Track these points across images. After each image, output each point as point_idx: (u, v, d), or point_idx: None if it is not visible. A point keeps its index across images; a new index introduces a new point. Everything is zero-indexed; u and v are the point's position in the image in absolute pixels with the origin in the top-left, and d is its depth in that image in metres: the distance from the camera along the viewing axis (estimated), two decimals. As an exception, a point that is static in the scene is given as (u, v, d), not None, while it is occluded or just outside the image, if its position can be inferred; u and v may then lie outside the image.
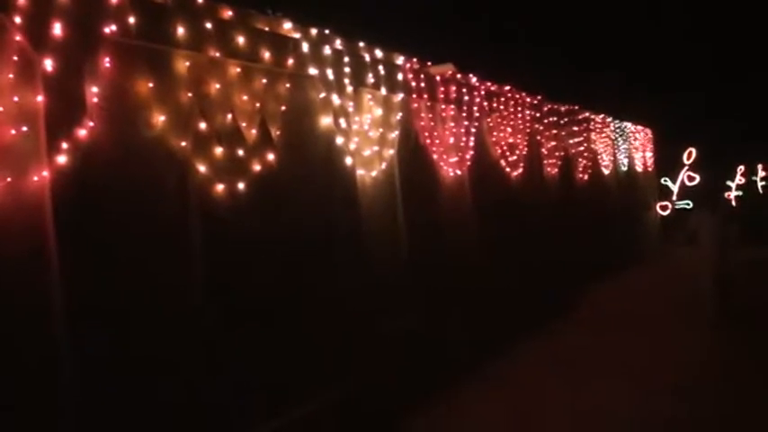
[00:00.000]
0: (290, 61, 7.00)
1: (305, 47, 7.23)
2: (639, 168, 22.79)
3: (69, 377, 4.71)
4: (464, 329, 9.56)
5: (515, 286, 11.38)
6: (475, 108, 11.04)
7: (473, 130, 10.86)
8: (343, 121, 7.68)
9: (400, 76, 8.95)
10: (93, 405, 4.80)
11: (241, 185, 6.22)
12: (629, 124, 21.36)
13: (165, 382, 5.34)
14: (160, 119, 5.56)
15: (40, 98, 4.72)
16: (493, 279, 10.73)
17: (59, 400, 4.66)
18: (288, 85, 6.93)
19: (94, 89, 5.03)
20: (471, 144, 10.78)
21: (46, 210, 4.71)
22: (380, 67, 8.49)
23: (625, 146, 20.90)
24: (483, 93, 11.39)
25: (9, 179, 4.52)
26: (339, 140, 7.67)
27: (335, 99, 7.59)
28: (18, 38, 4.63)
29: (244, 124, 6.31)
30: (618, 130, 20.15)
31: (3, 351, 4.40)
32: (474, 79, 11.23)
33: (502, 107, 12.19)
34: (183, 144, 5.72)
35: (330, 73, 7.54)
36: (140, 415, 5.09)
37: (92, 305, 4.91)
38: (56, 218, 4.73)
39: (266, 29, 6.87)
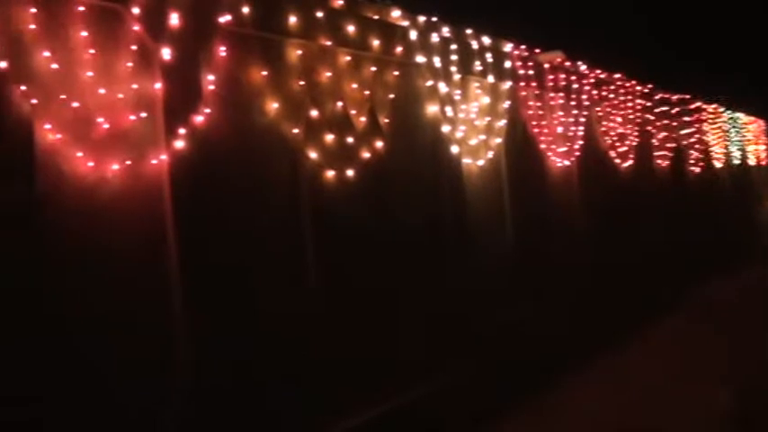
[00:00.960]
0: (399, 49, 6.96)
1: (413, 35, 7.16)
2: (752, 161, 21.76)
3: (183, 355, 4.84)
4: (570, 323, 9.33)
5: (624, 280, 11.01)
6: (584, 96, 10.71)
7: (582, 119, 10.54)
8: (449, 110, 7.56)
9: (508, 64, 8.74)
10: (206, 408, 4.93)
11: (350, 172, 6.21)
12: (741, 115, 20.40)
13: (272, 360, 5.42)
14: (273, 106, 5.61)
15: (158, 85, 4.82)
16: (600, 273, 10.41)
17: (174, 382, 4.82)
18: (396, 74, 6.89)
19: (210, 77, 5.10)
20: (580, 134, 10.48)
21: (164, 191, 4.81)
22: (488, 55, 8.32)
23: (737, 137, 19.99)
24: (592, 81, 11.05)
25: (129, 162, 4.64)
26: (445, 129, 7.54)
27: (442, 87, 7.48)
28: (136, 28, 4.73)
29: (353, 112, 6.30)
30: (730, 121, 19.28)
31: (124, 328, 4.52)
32: (583, 67, 10.89)
33: (611, 96, 11.82)
34: (295, 131, 5.75)
35: (437, 61, 7.44)
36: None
37: (205, 282, 4.99)
38: (173, 199, 4.83)
39: (375, 17, 6.86)
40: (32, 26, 4.28)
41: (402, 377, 6.51)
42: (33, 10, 4.28)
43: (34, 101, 4.28)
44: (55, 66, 4.36)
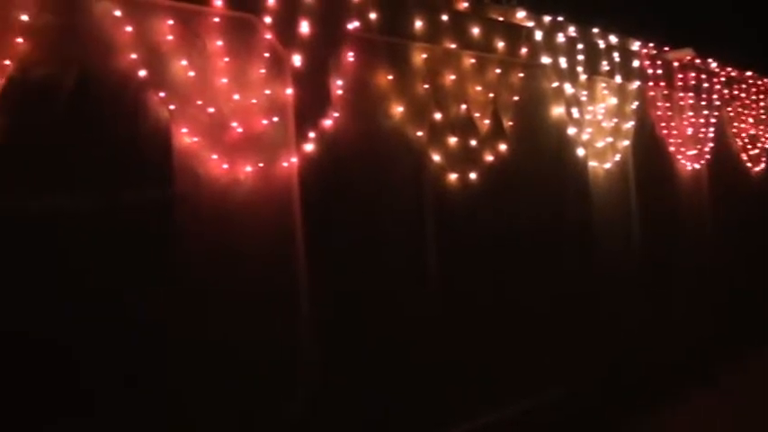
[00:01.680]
0: (524, 50, 6.79)
1: (538, 35, 6.98)
2: None
3: (309, 351, 4.89)
4: (700, 329, 8.90)
5: (756, 288, 10.40)
6: (714, 96, 10.13)
7: (713, 120, 9.98)
8: (575, 111, 7.30)
9: (636, 63, 8.37)
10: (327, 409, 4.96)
11: (473, 175, 6.11)
12: None
13: (394, 361, 5.41)
14: (398, 110, 5.60)
15: (289, 91, 4.91)
16: (730, 280, 9.86)
17: (299, 382, 4.88)
18: (521, 75, 6.73)
19: (339, 82, 5.16)
20: (710, 136, 9.94)
21: (293, 193, 4.89)
22: (615, 54, 7.98)
23: None
24: (723, 79, 10.46)
25: (261, 164, 4.75)
26: (571, 131, 7.30)
27: (568, 88, 7.24)
28: (268, 36, 4.85)
29: (477, 114, 6.19)
30: None
31: (253, 327, 4.64)
32: (714, 64, 10.34)
33: (743, 95, 11.16)
34: (420, 134, 5.72)
35: (563, 61, 7.21)
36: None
37: (331, 283, 5.04)
38: (302, 200, 4.90)
39: (500, 18, 6.73)
40: (170, 37, 4.44)
41: (522, 383, 6.38)
42: (171, 22, 4.44)
43: (172, 106, 4.43)
44: (191, 73, 4.50)
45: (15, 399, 3.71)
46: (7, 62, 3.86)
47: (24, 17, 3.92)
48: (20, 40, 3.90)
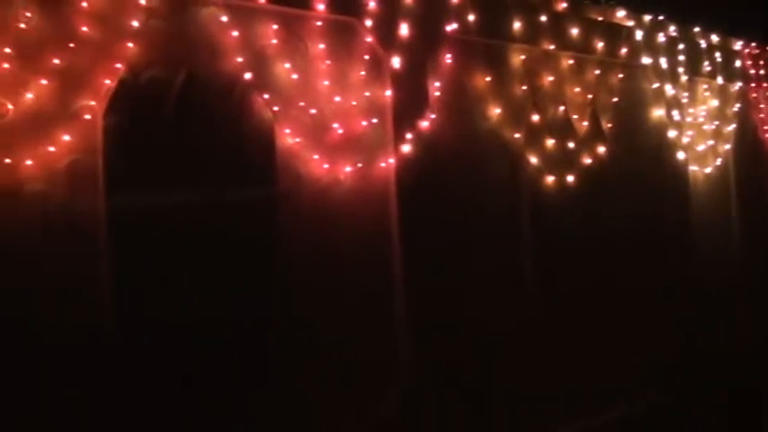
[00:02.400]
0: (623, 51, 6.51)
1: (638, 35, 6.67)
2: None
3: (404, 351, 4.81)
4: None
5: None
6: (822, 98, 9.52)
7: (819, 122, 9.38)
8: (676, 113, 6.94)
9: (738, 63, 7.94)
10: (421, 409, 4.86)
11: (570, 178, 5.88)
12: None
13: (487, 363, 5.25)
14: (496, 111, 5.43)
15: (388, 93, 4.83)
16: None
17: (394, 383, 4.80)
18: (620, 76, 6.43)
19: (437, 84, 5.04)
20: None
21: (390, 193, 4.82)
22: (717, 54, 7.58)
23: None
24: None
25: (360, 165, 4.70)
26: (671, 134, 6.94)
27: (669, 89, 6.88)
28: (369, 39, 4.79)
29: (575, 116, 5.96)
30: None
31: (352, 323, 4.60)
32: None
33: None
34: (517, 135, 5.54)
35: (664, 62, 6.87)
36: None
37: (427, 284, 4.92)
38: (399, 201, 4.82)
39: (599, 18, 6.47)
40: (274, 40, 4.42)
41: (617, 390, 6.10)
42: (275, 26, 4.43)
43: (276, 108, 4.41)
44: (294, 76, 4.47)
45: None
46: (118, 65, 3.90)
47: (134, 23, 3.96)
48: (130, 44, 3.94)
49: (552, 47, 5.84)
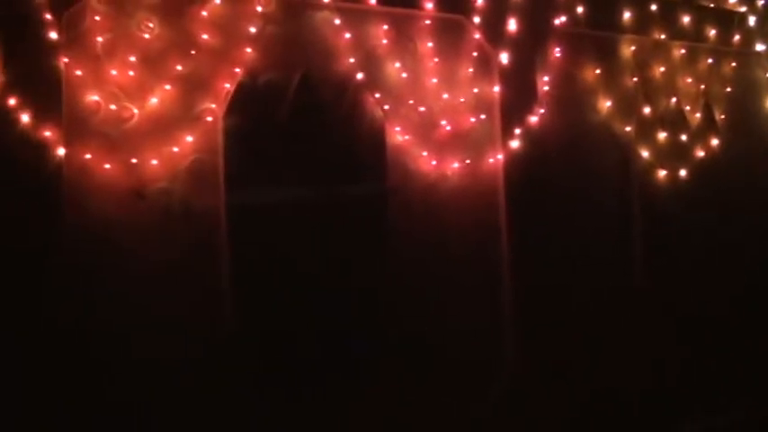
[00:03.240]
0: (736, 38, 6.10)
1: (751, 21, 6.24)
2: None
3: (509, 346, 4.69)
4: None
5: None
6: None
7: None
8: (793, 102, 6.52)
9: None
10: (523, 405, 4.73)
11: (683, 172, 5.53)
12: None
13: (594, 358, 5.04)
14: (606, 104, 5.18)
15: (496, 89, 4.67)
16: None
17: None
18: (733, 65, 6.02)
19: (545, 78, 4.86)
20: None
21: (498, 188, 4.69)
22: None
23: None
24: None
25: (468, 161, 4.58)
26: (789, 122, 6.51)
27: (785, 77, 6.46)
28: (477, 36, 4.64)
29: (687, 108, 5.62)
30: None
31: (459, 317, 4.51)
32: None
33: None
34: (627, 128, 5.27)
35: (779, 48, 6.44)
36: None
37: (535, 279, 4.76)
38: (507, 195, 4.69)
39: (711, 5, 6.08)
40: (384, 41, 4.37)
41: (734, 391, 5.74)
42: (385, 27, 4.37)
43: (386, 106, 4.36)
44: (404, 75, 4.40)
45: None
46: (237, 70, 3.96)
47: (252, 29, 4.00)
48: (248, 49, 3.98)
49: (663, 36, 5.51)
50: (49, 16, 3.60)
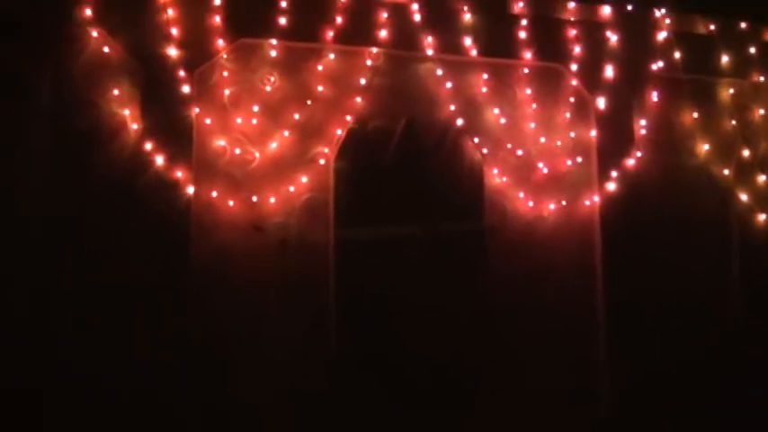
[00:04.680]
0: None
1: None
2: None
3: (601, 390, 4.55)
4: None
5: None
6: None
7: None
8: None
9: None
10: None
11: None
12: None
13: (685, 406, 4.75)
14: (704, 147, 4.94)
15: (593, 133, 4.59)
16: None
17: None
18: (836, 106, 5.69)
19: (642, 122, 4.71)
20: None
21: (595, 230, 4.58)
22: None
23: None
24: None
25: (564, 203, 4.50)
26: None
27: None
28: (574, 82, 4.59)
29: (789, 150, 5.35)
30: None
31: (553, 354, 4.43)
32: None
33: None
34: (726, 172, 5.00)
35: None
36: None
37: (629, 322, 4.57)
38: (603, 237, 4.56)
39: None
40: (484, 89, 4.39)
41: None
42: (485, 76, 4.40)
43: (485, 150, 4.36)
44: (502, 120, 4.39)
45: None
46: (348, 117, 4.11)
47: (362, 80, 4.14)
48: (358, 99, 4.12)
49: (762, 79, 5.25)
50: (182, 73, 3.86)
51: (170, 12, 3.88)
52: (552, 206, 4.47)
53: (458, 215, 4.41)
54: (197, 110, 3.89)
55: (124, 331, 3.65)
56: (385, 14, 4.20)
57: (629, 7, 4.79)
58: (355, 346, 4.06)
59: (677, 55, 4.90)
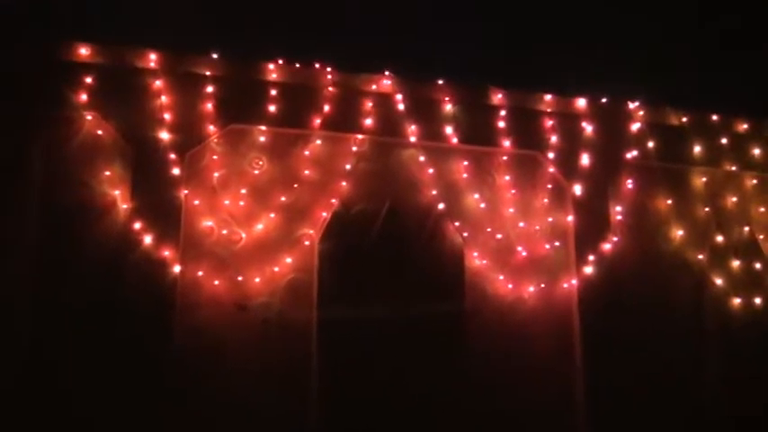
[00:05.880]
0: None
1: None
2: None
3: None
4: None
5: None
6: None
7: None
8: None
9: None
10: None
11: (758, 300, 5.24)
12: None
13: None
14: (678, 233, 5.10)
15: (570, 218, 4.73)
16: None
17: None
18: (808, 194, 5.87)
19: (618, 208, 4.87)
20: None
21: (573, 312, 4.66)
22: None
23: None
24: None
25: (543, 285, 4.61)
26: None
27: None
28: (551, 169, 4.77)
29: (761, 237, 5.47)
30: None
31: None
32: None
33: None
34: (700, 257, 5.14)
35: None
36: None
37: (609, 405, 4.54)
38: (581, 319, 4.64)
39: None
40: (465, 175, 4.57)
41: None
42: (466, 162, 4.59)
43: (465, 234, 4.50)
44: (482, 205, 4.55)
45: None
46: (333, 200, 4.26)
47: (347, 165, 4.32)
48: (343, 183, 4.29)
49: (734, 167, 5.45)
50: (173, 156, 4.00)
51: (163, 98, 4.04)
52: (531, 288, 4.57)
53: (439, 297, 4.49)
54: (186, 191, 4.01)
55: (108, 406, 3.69)
56: (370, 104, 4.40)
57: (604, 99, 4.99)
58: (337, 425, 4.10)
59: (651, 144, 5.10)
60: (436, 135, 4.53)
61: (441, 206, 4.47)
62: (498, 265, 4.54)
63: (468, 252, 4.52)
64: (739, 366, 5.09)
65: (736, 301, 5.19)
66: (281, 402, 3.99)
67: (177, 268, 3.91)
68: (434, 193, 4.47)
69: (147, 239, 3.88)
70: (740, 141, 5.54)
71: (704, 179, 5.32)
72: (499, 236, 4.57)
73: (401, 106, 4.46)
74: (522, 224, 4.63)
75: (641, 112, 5.11)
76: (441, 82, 4.61)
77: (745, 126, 5.62)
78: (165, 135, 4.01)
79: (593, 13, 6.19)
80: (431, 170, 4.47)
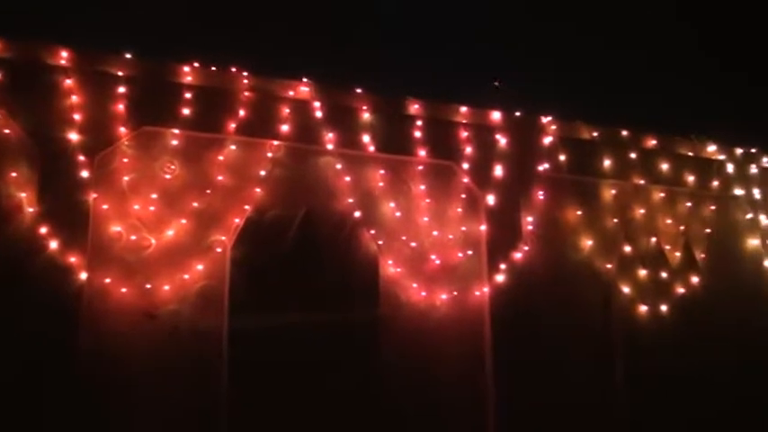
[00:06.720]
0: (715, 183, 6.23)
1: (729, 167, 6.37)
2: None
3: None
4: None
5: None
6: None
7: None
8: (772, 243, 6.55)
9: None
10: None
11: (663, 307, 5.51)
12: None
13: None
14: (587, 243, 5.29)
15: (482, 227, 4.86)
16: None
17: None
18: (712, 207, 6.15)
19: (529, 218, 5.01)
20: None
21: (485, 319, 4.77)
22: (813, 185, 7.14)
23: None
24: None
25: (455, 293, 4.71)
26: (768, 263, 6.54)
27: (763, 219, 6.50)
28: (466, 179, 4.89)
29: (667, 247, 5.72)
30: None
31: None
32: None
33: None
34: (609, 266, 5.35)
35: (757, 192, 6.49)
36: None
37: (516, 405, 4.68)
38: (493, 326, 4.75)
39: (689, 153, 6.26)
40: (381, 183, 4.64)
41: None
42: (382, 171, 4.66)
43: (380, 242, 4.56)
44: (398, 213, 4.63)
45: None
46: (246, 207, 4.23)
47: (262, 171, 4.31)
48: (257, 189, 4.27)
49: (642, 181, 5.69)
50: (82, 157, 3.91)
51: (74, 97, 3.95)
52: (444, 296, 4.67)
53: (354, 304, 4.54)
54: (95, 195, 3.93)
55: (11, 417, 3.56)
56: (287, 110, 4.41)
57: (518, 113, 5.14)
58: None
59: (562, 157, 5.30)
60: (353, 143, 4.58)
61: (357, 214, 4.52)
62: (412, 272, 4.63)
63: (382, 260, 4.59)
64: (644, 368, 5.30)
65: (643, 308, 5.40)
66: (191, 413, 3.95)
67: (84, 275, 3.82)
68: (350, 200, 4.51)
69: (53, 245, 3.78)
70: (649, 156, 5.81)
71: (613, 192, 5.54)
72: (413, 244, 4.66)
73: (319, 113, 4.49)
74: (435, 233, 4.72)
75: (553, 126, 5.29)
76: (359, 90, 4.66)
77: (654, 142, 5.88)
78: (74, 136, 3.92)
79: (513, 25, 6.39)
80: (347, 178, 4.51)
